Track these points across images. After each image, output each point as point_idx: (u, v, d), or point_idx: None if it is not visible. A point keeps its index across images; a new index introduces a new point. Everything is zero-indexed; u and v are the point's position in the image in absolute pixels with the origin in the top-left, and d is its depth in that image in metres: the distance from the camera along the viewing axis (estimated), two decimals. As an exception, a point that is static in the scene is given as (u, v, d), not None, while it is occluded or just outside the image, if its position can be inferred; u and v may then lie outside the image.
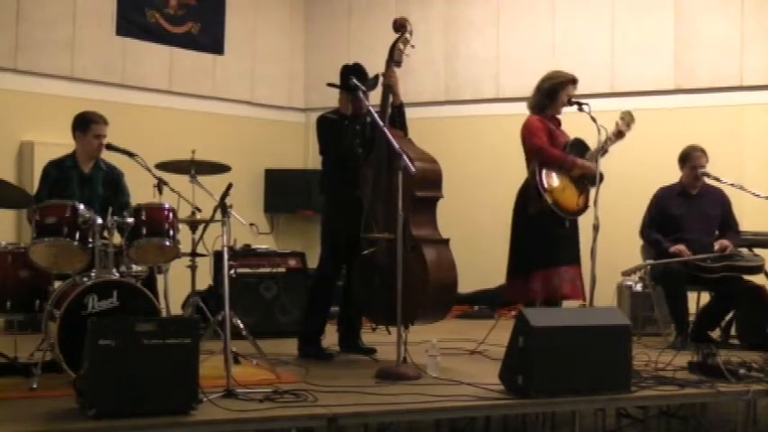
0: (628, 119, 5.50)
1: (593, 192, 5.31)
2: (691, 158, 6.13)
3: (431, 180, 5.12)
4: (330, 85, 5.41)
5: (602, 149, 5.37)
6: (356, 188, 5.25)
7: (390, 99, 5.19)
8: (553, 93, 5.53)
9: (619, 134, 5.44)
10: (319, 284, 5.46)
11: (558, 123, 5.64)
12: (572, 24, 8.32)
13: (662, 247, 6.02)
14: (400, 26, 5.27)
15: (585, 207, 5.48)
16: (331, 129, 5.33)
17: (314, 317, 5.39)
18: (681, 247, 5.91)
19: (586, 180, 5.45)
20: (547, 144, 5.44)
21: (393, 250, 4.73)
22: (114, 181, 5.47)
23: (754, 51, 7.78)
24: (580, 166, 5.44)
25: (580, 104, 5.34)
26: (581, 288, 5.46)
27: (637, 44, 8.12)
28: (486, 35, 8.65)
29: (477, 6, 8.73)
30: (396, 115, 5.24)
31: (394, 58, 5.21)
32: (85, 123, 5.37)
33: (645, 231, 6.21)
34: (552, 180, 5.41)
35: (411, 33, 5.27)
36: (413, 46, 5.27)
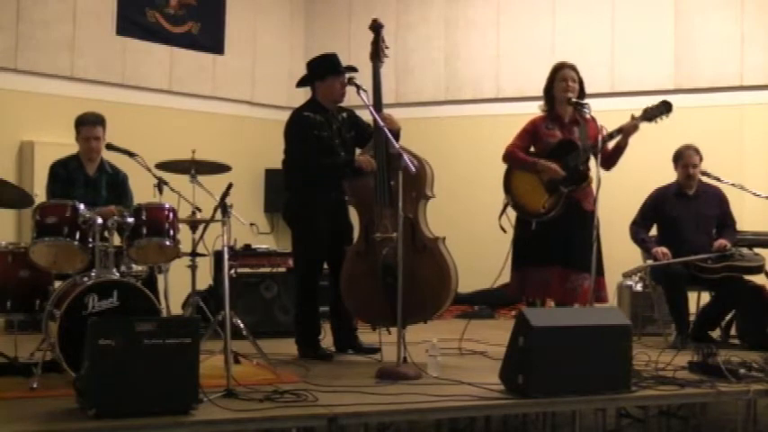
0: (652, 112, 5.38)
1: (591, 192, 5.24)
2: (683, 157, 6.13)
3: (432, 179, 5.25)
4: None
5: (596, 148, 5.26)
6: (335, 189, 5.28)
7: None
8: (548, 89, 5.51)
9: (633, 127, 5.36)
10: (306, 299, 5.35)
11: (566, 122, 5.48)
12: (572, 24, 8.34)
13: (646, 246, 6.06)
14: (380, 26, 5.35)
15: (552, 209, 5.40)
16: (311, 126, 5.22)
17: (307, 323, 5.36)
18: (663, 250, 5.90)
19: (558, 183, 5.41)
20: (517, 148, 5.45)
21: (405, 251, 4.74)
22: (118, 184, 5.48)
23: (754, 51, 7.79)
24: (541, 169, 5.39)
25: (581, 104, 5.32)
26: (566, 290, 5.38)
27: (637, 44, 8.13)
28: (486, 35, 8.66)
29: (477, 6, 8.74)
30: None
31: (380, 59, 5.30)
32: (77, 126, 5.40)
33: (633, 228, 6.19)
34: (519, 182, 5.45)
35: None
36: (387, 47, 5.37)
